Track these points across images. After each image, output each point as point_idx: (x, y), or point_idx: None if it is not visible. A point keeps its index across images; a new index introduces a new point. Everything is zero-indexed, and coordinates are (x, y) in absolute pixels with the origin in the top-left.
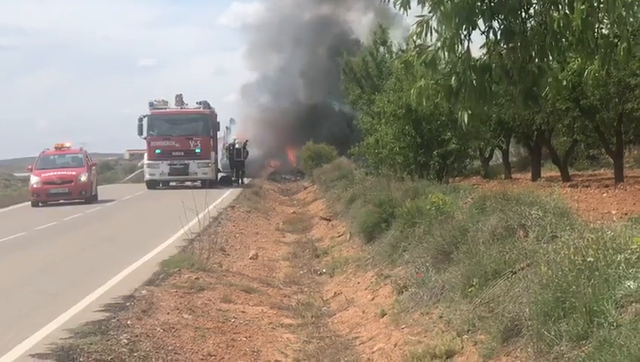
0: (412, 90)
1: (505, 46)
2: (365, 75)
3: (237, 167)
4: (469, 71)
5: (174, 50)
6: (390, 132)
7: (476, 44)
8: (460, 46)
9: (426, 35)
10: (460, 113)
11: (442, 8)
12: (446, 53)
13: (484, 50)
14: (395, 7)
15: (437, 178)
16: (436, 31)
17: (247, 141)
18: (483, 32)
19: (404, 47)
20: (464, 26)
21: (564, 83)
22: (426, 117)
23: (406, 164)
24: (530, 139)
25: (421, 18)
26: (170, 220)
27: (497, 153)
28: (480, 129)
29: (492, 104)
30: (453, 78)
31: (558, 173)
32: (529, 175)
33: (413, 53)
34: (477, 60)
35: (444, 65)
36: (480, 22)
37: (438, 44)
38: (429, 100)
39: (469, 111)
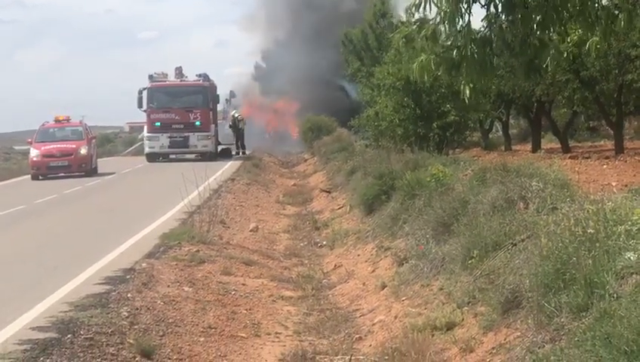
0: (414, 65)
1: (506, 19)
2: (365, 47)
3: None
4: (470, 44)
5: (175, 22)
6: (390, 104)
7: (476, 17)
8: (460, 19)
9: (424, 7)
10: (462, 86)
11: None
12: (447, 27)
13: (485, 23)
14: None
15: (437, 150)
16: (435, 5)
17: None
18: (484, 5)
19: (404, 20)
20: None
21: (565, 55)
22: (425, 89)
23: (406, 136)
24: (530, 111)
25: None
26: (170, 193)
27: (497, 125)
28: (480, 101)
29: (493, 77)
30: (455, 51)
31: (558, 145)
32: (529, 146)
33: (414, 27)
34: (478, 33)
35: (444, 39)
36: None
37: (439, 17)
38: (430, 74)
39: (471, 85)
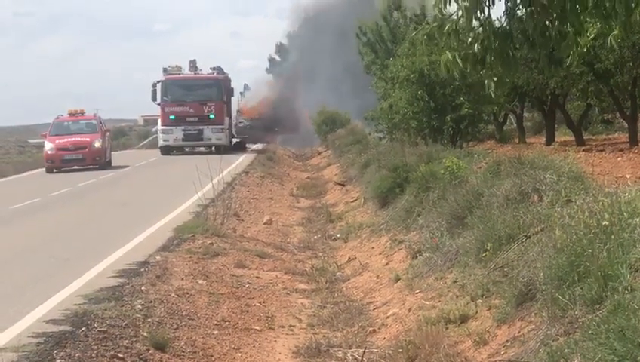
0: (441, 64)
1: (524, 10)
2: (379, 39)
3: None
4: (491, 37)
5: (189, 14)
6: (404, 97)
7: (496, 10)
8: (481, 13)
9: (449, 3)
10: (486, 81)
11: None
12: (467, 21)
13: (505, 16)
14: None
15: (451, 142)
16: (456, 1)
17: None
18: None
19: (418, 12)
20: None
21: (585, 49)
22: (439, 81)
23: (420, 129)
24: (545, 104)
25: None
26: (184, 186)
27: (511, 117)
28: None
29: (517, 70)
30: (476, 45)
31: (572, 138)
32: (543, 139)
33: (435, 24)
34: (499, 28)
35: (465, 34)
36: None
37: (460, 12)
38: (457, 70)
39: (495, 79)
